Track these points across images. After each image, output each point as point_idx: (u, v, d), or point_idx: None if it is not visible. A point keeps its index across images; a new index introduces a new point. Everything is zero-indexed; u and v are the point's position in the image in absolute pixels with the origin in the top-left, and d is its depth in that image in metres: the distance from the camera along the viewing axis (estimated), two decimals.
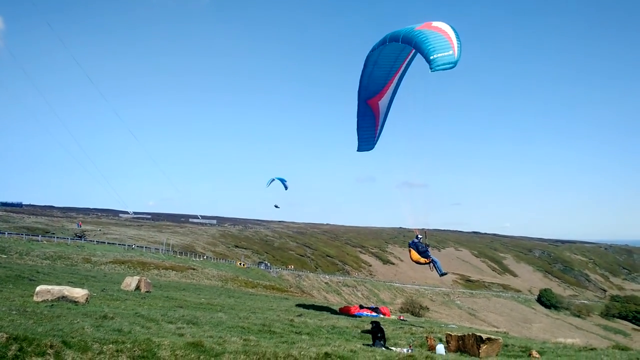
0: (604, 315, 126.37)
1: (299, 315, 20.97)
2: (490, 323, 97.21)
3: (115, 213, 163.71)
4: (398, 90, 22.13)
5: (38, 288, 15.46)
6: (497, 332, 28.09)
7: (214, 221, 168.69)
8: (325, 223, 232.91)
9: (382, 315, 26.85)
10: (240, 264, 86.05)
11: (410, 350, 12.58)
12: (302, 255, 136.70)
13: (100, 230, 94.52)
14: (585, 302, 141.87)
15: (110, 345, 8.60)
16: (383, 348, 12.57)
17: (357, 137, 23.48)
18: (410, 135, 19.56)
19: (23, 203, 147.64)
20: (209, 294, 32.44)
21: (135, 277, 25.87)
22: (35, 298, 14.96)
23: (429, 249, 22.15)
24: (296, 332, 14.48)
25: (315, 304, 34.10)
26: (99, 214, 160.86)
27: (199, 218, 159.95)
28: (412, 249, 22.28)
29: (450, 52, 16.54)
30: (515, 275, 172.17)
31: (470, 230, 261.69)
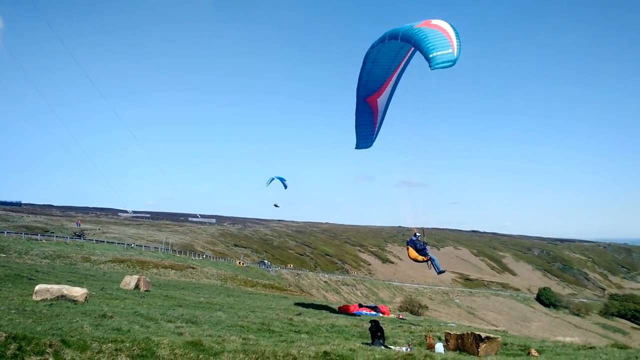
0: (602, 313, 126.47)
1: (298, 314, 20.97)
2: (489, 322, 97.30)
3: (114, 212, 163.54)
4: (397, 89, 22.12)
5: (37, 287, 15.45)
6: (496, 330, 28.11)
7: (213, 220, 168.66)
8: (324, 222, 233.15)
9: (381, 314, 26.88)
10: (239, 262, 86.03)
11: (409, 349, 12.57)
12: (302, 254, 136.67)
13: (99, 229, 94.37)
14: (584, 300, 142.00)
15: (110, 344, 8.58)
16: (382, 347, 12.57)
17: (355, 134, 23.48)
18: (410, 134, 19.57)
19: (22, 202, 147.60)
20: (208, 293, 32.45)
21: (134, 276, 25.88)
22: (34, 297, 14.95)
23: (427, 247, 22.18)
24: (295, 331, 14.48)
25: (315, 303, 34.11)
26: (98, 213, 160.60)
27: (198, 217, 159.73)
28: (410, 247, 22.34)
29: (450, 51, 16.52)
30: (514, 274, 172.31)
31: (470, 229, 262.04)
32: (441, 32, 17.11)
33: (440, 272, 23.08)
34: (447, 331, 14.57)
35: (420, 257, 21.96)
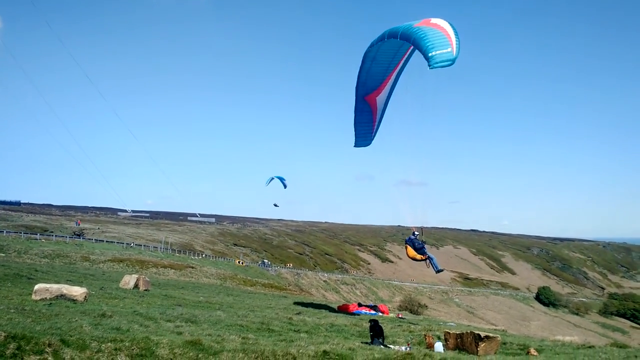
0: (602, 313, 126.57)
1: (298, 314, 20.96)
2: (489, 321, 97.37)
3: (113, 211, 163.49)
4: (396, 88, 22.13)
5: (36, 286, 15.44)
6: (495, 330, 28.13)
7: (213, 219, 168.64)
8: (324, 221, 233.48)
9: (380, 313, 26.87)
10: (239, 262, 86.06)
11: (408, 348, 12.57)
12: (301, 254, 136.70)
13: (98, 228, 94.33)
14: (584, 299, 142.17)
15: (109, 344, 8.58)
16: (381, 346, 12.57)
17: (354, 132, 23.51)
18: (409, 133, 19.56)
19: (21, 201, 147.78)
20: (208, 292, 32.44)
21: (133, 275, 25.88)
22: (33, 296, 14.93)
23: (426, 246, 22.19)
24: (295, 331, 14.47)
25: (314, 302, 34.09)
26: (98, 212, 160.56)
27: (197, 216, 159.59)
28: (408, 246, 22.35)
29: (449, 50, 16.50)
30: (513, 273, 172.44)
31: (469, 228, 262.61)
32: (440, 31, 17.10)
33: (438, 271, 23.07)
34: (447, 330, 14.57)
35: (418, 256, 21.95)
